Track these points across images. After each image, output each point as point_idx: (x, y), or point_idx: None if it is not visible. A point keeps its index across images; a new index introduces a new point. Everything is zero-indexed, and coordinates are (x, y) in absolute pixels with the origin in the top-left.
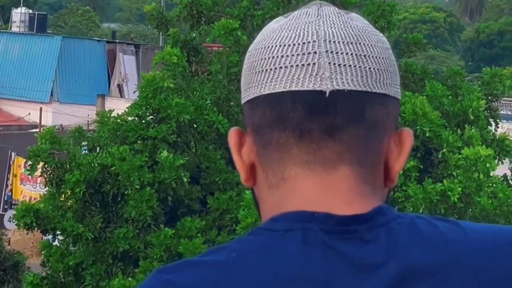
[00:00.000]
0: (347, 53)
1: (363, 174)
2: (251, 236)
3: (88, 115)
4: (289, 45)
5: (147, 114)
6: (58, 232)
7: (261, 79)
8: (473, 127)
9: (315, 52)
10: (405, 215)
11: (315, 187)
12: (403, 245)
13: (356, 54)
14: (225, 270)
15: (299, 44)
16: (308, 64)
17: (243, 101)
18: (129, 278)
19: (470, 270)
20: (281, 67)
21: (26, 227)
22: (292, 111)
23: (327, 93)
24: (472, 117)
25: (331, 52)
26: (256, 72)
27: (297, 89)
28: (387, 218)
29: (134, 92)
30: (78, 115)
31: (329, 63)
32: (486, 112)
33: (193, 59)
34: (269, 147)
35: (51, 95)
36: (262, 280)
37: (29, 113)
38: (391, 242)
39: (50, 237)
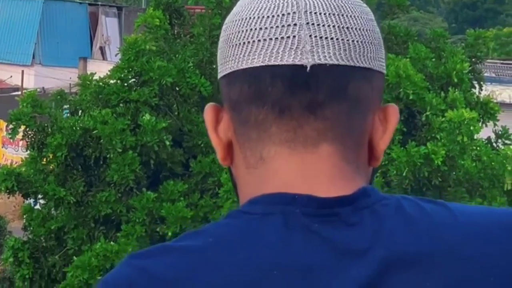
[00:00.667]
0: (329, 25)
1: (346, 153)
2: (228, 220)
3: (70, 78)
4: (268, 16)
5: (129, 77)
6: (39, 196)
7: (238, 53)
8: (456, 90)
9: (295, 24)
10: (391, 197)
11: (295, 167)
12: (389, 229)
13: (338, 26)
14: (201, 256)
15: (278, 15)
16: (288, 37)
17: (219, 76)
18: (111, 242)
19: (460, 257)
20: (259, 40)
21: (8, 191)
22: (271, 87)
23: (308, 68)
24: (455, 80)
25: (312, 24)
26: (233, 46)
27: (276, 63)
28: (372, 200)
29: (116, 55)
30: (61, 77)
31: (310, 35)
32: (470, 74)
33: (176, 21)
34: (247, 125)
35: (33, 57)
36: (239, 267)
37: (11, 76)
38: (376, 226)
39: (31, 201)
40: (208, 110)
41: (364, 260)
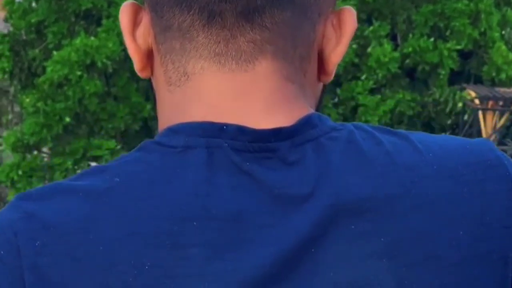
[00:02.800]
0: None
1: (289, 71)
2: (140, 154)
3: None
4: None
5: None
6: None
7: None
8: None
9: None
10: (342, 127)
11: (225, 88)
12: (337, 169)
13: None
14: (103, 201)
15: None
16: None
17: None
18: (92, 37)
19: (424, 204)
20: None
21: None
22: None
23: None
24: None
25: None
26: None
27: None
28: (318, 131)
29: None
30: None
31: None
32: None
33: None
34: (169, 32)
35: None
36: (150, 216)
37: None
38: (321, 165)
39: None
40: (124, 10)
41: (304, 208)
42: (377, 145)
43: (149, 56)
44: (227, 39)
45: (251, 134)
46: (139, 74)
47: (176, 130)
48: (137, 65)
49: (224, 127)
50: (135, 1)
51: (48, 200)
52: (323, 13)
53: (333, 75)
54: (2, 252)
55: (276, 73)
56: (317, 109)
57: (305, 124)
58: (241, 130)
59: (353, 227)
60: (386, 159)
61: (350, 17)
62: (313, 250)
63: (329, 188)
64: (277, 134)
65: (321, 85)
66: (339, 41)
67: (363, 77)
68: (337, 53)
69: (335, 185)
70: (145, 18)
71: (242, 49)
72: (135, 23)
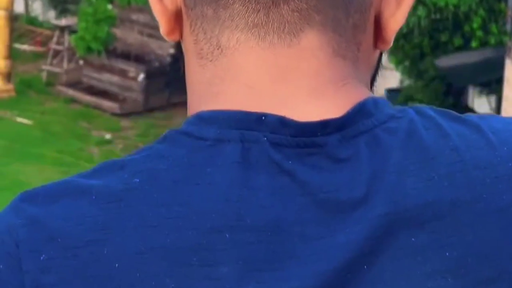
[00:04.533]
0: None
1: (340, 44)
2: (164, 146)
3: None
4: None
5: None
6: None
7: None
8: None
9: None
10: (402, 114)
11: (265, 67)
12: (394, 168)
13: None
14: (119, 207)
15: None
16: None
17: None
18: None
19: (499, 210)
20: None
21: None
22: None
23: None
24: None
25: None
26: None
27: None
28: (374, 121)
29: None
30: None
31: None
32: None
33: None
34: None
35: None
36: (174, 227)
37: None
38: (376, 162)
39: None
40: None
41: (356, 216)
42: (442, 137)
43: (177, 18)
44: (268, 7)
45: (294, 126)
46: (166, 38)
47: (207, 118)
48: (163, 28)
49: (263, 117)
50: None
51: (56, 203)
52: None
53: (391, 42)
54: (1, 266)
55: (324, 48)
56: (372, 80)
57: (358, 112)
58: (283, 122)
59: (413, 239)
60: (453, 156)
61: None
62: (365, 267)
63: (385, 192)
64: (324, 126)
65: (377, 53)
66: (399, 5)
67: None
68: (396, 19)
69: (392, 189)
70: None
71: (285, 20)
72: None
